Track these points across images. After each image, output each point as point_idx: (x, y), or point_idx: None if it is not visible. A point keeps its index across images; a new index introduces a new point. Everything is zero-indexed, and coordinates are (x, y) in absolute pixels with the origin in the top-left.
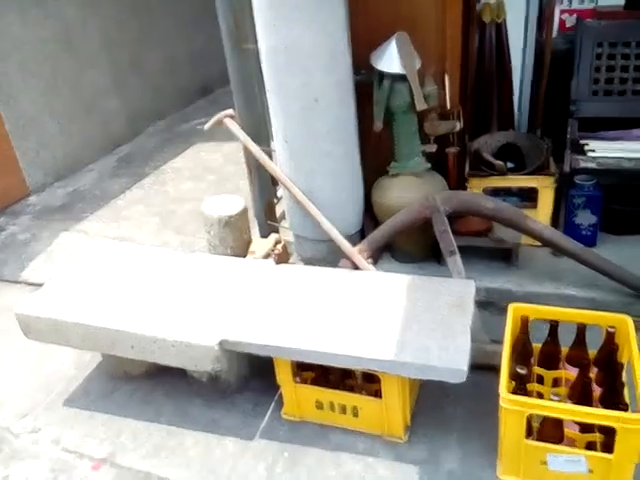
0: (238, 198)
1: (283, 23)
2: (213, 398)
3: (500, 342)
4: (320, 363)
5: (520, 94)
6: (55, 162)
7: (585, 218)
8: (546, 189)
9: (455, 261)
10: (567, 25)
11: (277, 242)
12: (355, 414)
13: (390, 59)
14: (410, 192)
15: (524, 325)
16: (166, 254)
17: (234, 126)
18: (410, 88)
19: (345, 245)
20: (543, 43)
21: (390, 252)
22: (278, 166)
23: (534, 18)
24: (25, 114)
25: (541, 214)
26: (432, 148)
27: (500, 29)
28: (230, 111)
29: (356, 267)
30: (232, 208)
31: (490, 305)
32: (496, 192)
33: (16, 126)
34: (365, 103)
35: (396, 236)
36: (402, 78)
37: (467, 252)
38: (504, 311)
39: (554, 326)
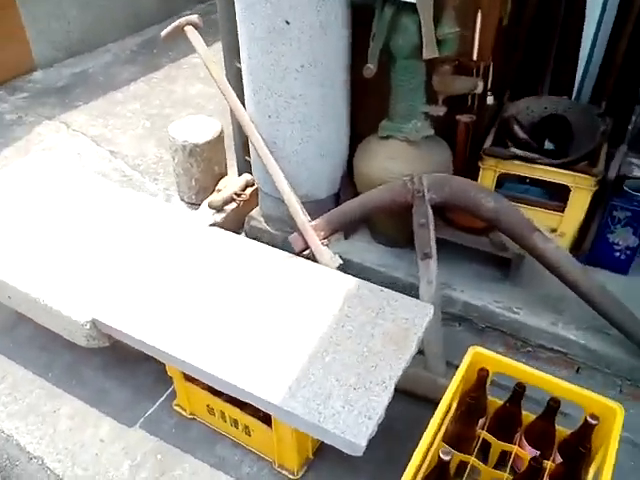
0: (217, 123)
1: None
2: (113, 362)
3: None
4: (203, 381)
5: (590, 52)
6: (68, 36)
7: (624, 237)
8: (581, 191)
9: (428, 266)
10: None
11: (248, 185)
12: (247, 432)
13: None
14: (398, 164)
15: (481, 380)
16: (98, 190)
17: (195, 37)
18: (419, 25)
19: (299, 216)
20: None
21: (369, 227)
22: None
23: None
24: None
25: (567, 221)
26: (439, 111)
27: None
28: (194, 17)
29: (307, 246)
30: (203, 135)
31: (466, 321)
32: (519, 177)
33: None
34: (365, 36)
35: (367, 217)
36: (411, 8)
37: (457, 250)
38: (482, 332)
39: (519, 392)
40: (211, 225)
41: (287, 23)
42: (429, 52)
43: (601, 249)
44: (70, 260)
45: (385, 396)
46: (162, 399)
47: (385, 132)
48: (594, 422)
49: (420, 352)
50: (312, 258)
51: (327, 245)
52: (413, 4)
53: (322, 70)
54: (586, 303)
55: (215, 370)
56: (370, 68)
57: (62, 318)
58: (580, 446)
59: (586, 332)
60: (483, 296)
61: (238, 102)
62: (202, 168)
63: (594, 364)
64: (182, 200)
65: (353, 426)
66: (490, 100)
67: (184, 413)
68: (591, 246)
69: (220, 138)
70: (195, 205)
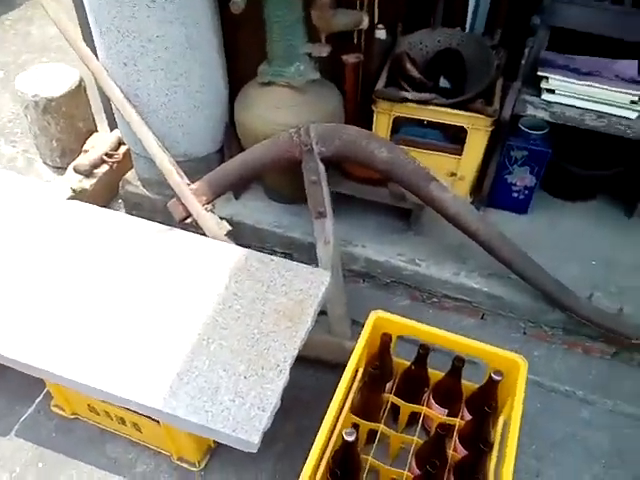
0: (74, 72)
1: None
2: None
3: None
4: (80, 392)
5: None
6: None
7: (521, 178)
8: (477, 132)
9: (323, 226)
10: None
11: (121, 143)
12: (137, 429)
13: None
14: (282, 113)
15: (384, 345)
16: None
17: None
18: None
19: (174, 180)
20: None
21: (262, 184)
22: None
23: None
24: None
25: (466, 164)
26: (322, 51)
27: None
28: None
29: (188, 214)
30: (59, 86)
31: (371, 277)
32: (418, 120)
33: None
34: None
35: (254, 176)
36: None
37: (356, 203)
38: (387, 287)
39: (423, 354)
40: (80, 192)
41: None
42: None
43: (500, 190)
44: None
45: (280, 382)
46: (38, 399)
47: (265, 77)
48: (498, 378)
49: (324, 313)
50: (196, 226)
51: (212, 210)
52: None
53: (181, 5)
54: (486, 252)
55: (81, 377)
56: (237, 3)
57: None
58: (486, 402)
59: (489, 279)
60: (385, 250)
61: (85, 47)
62: (62, 126)
63: (498, 310)
64: (45, 164)
65: (245, 422)
66: (382, 34)
67: (64, 413)
68: (490, 188)
69: (80, 89)
70: (61, 169)
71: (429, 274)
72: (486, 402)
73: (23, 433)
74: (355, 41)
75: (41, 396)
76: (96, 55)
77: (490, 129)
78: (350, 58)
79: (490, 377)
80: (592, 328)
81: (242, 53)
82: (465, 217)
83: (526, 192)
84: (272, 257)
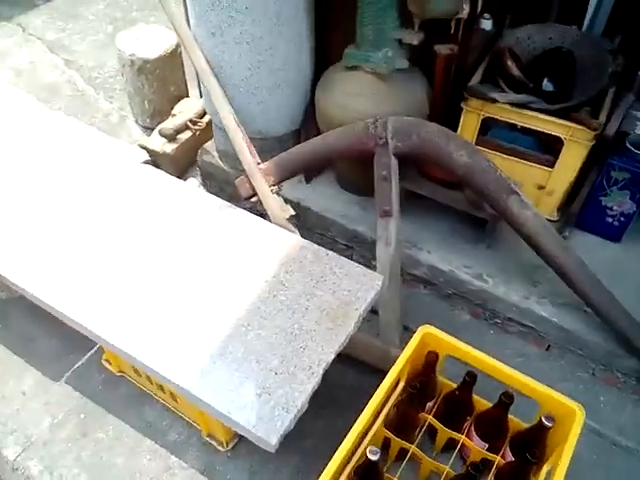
0: (173, 35)
1: None
2: None
3: None
4: (122, 357)
5: None
6: None
7: (619, 202)
8: (576, 144)
9: (387, 226)
10: None
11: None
12: (173, 398)
13: None
14: (362, 101)
15: (429, 364)
16: (26, 116)
17: None
18: None
19: (245, 157)
20: None
21: (334, 170)
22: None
23: None
24: None
25: (557, 178)
26: (414, 38)
27: None
28: None
29: (254, 192)
30: (155, 49)
31: (432, 285)
32: (510, 124)
33: None
34: None
35: (325, 162)
36: None
37: (429, 204)
38: (449, 298)
39: (469, 382)
40: (162, 155)
41: None
42: None
43: (592, 213)
44: None
45: (309, 385)
46: (92, 352)
47: (350, 61)
48: (549, 424)
49: (375, 312)
50: (261, 205)
51: (277, 192)
52: None
53: None
54: (562, 279)
55: (117, 341)
56: None
57: None
58: (532, 446)
59: (561, 309)
60: (452, 259)
61: (177, 14)
62: (155, 88)
63: (567, 344)
64: (137, 123)
65: (266, 420)
66: (487, 25)
67: (112, 369)
68: (581, 208)
69: (176, 54)
70: (150, 130)
71: (495, 293)
72: (532, 446)
73: (73, 381)
74: (452, 31)
75: (95, 348)
76: (188, 22)
77: (591, 143)
78: (442, 49)
79: (541, 420)
80: None
81: (332, 34)
82: (543, 239)
83: (622, 219)
84: (327, 252)
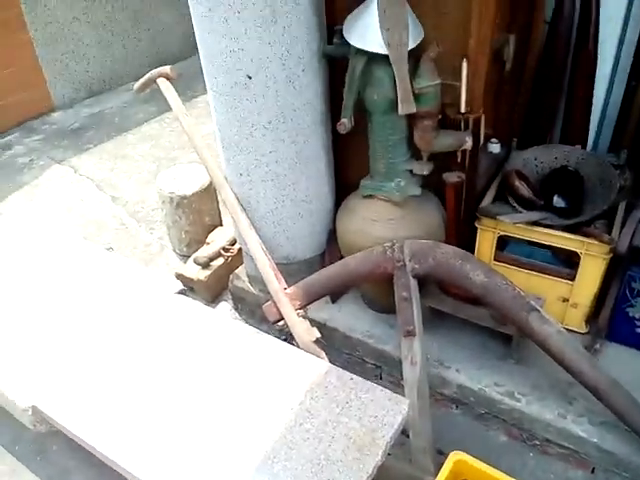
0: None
1: None
2: None
3: None
4: None
5: (607, 94)
6: (88, 76)
7: None
8: (593, 258)
9: (411, 345)
10: None
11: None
12: None
13: (365, 28)
14: (379, 227)
15: None
16: (66, 253)
17: (169, 90)
18: (394, 77)
19: (272, 283)
20: None
21: (359, 290)
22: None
23: None
24: (56, 19)
25: (580, 291)
26: (423, 169)
27: None
28: (166, 69)
29: (281, 317)
30: (191, 185)
31: (464, 404)
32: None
33: (43, 33)
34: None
35: (348, 285)
36: (385, 60)
37: (454, 321)
38: (482, 418)
39: None
40: (197, 282)
41: (249, 78)
42: (405, 108)
43: (620, 324)
44: (23, 334)
45: None
46: None
47: (365, 191)
48: None
49: (407, 434)
50: (287, 329)
51: (304, 315)
52: (387, 56)
53: (293, 125)
54: (594, 397)
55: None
56: (344, 124)
57: (8, 401)
58: None
59: (600, 428)
60: (482, 377)
61: (209, 158)
62: (191, 220)
63: (611, 466)
64: (174, 251)
65: None
66: (496, 148)
67: None
68: (609, 320)
69: (210, 188)
70: (186, 257)
71: (529, 412)
72: None
73: None
74: (459, 160)
75: None
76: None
77: (608, 256)
78: (450, 177)
79: None
80: None
81: (350, 164)
82: (568, 355)
83: None
84: (352, 376)
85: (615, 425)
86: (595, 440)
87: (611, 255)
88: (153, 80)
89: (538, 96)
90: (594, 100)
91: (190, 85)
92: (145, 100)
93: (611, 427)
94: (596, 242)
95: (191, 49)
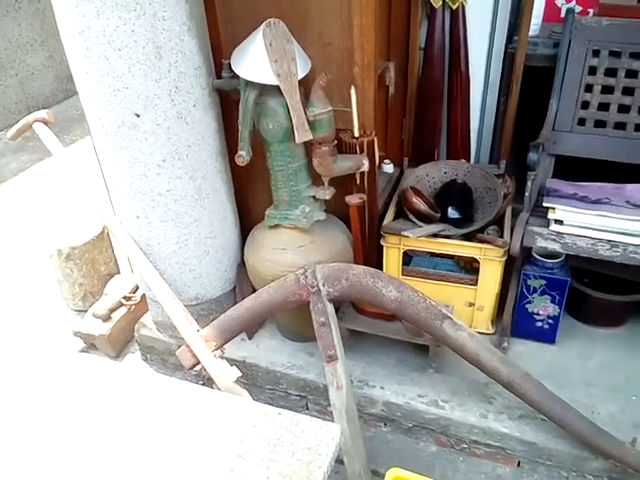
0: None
1: None
2: None
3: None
4: None
5: (481, 112)
6: None
7: (543, 307)
8: (490, 262)
9: (335, 370)
10: (562, 15)
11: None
12: None
13: (254, 60)
14: (289, 255)
15: None
16: None
17: (47, 135)
18: (287, 106)
19: (184, 327)
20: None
21: (275, 321)
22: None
23: (507, 2)
24: None
25: (483, 294)
26: (325, 194)
27: (456, 18)
28: (42, 113)
29: (197, 360)
30: (81, 233)
31: (392, 421)
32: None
33: None
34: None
35: (264, 318)
36: (277, 90)
37: (373, 339)
38: (411, 431)
39: None
40: (97, 337)
41: (137, 116)
42: (302, 136)
43: (523, 320)
44: None
45: None
46: None
47: (271, 221)
48: None
49: (341, 461)
50: (205, 373)
51: (221, 356)
52: (278, 86)
53: (189, 162)
54: (510, 392)
55: None
56: (242, 156)
57: None
58: None
59: (520, 422)
60: (405, 391)
61: (99, 203)
62: (85, 271)
63: (535, 457)
64: (69, 307)
65: None
66: (389, 168)
67: None
68: (512, 318)
69: (103, 235)
70: (83, 312)
71: (454, 417)
72: None
73: None
74: (358, 181)
75: None
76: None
77: (504, 259)
78: (352, 199)
79: None
80: None
81: (253, 195)
82: (483, 357)
83: (550, 321)
84: (279, 410)
85: (533, 417)
86: (517, 434)
87: (506, 257)
88: (29, 125)
89: (422, 117)
90: (471, 117)
91: (68, 129)
92: (16, 149)
93: (529, 419)
94: (491, 247)
95: (64, 93)
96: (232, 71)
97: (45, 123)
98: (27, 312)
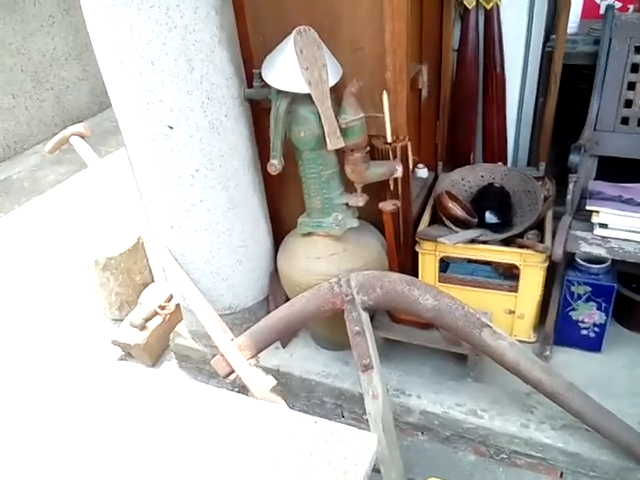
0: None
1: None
2: None
3: None
4: None
5: (518, 113)
6: None
7: (588, 314)
8: (532, 268)
9: (370, 379)
10: (601, 11)
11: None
12: None
13: (284, 69)
14: (322, 264)
15: None
16: None
17: (82, 148)
18: (319, 114)
19: (218, 336)
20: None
21: (309, 330)
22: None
23: (544, 0)
24: None
25: (524, 301)
26: (358, 201)
27: (490, 18)
28: (79, 127)
29: (232, 369)
30: (117, 244)
31: (429, 430)
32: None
33: None
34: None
35: (297, 327)
36: (308, 98)
37: (409, 347)
38: (449, 441)
39: None
40: (134, 347)
41: (170, 128)
42: (333, 143)
43: (566, 328)
44: None
45: None
46: None
47: (304, 229)
48: None
49: (378, 470)
50: (240, 382)
51: (256, 364)
52: (309, 94)
53: (221, 171)
54: (552, 402)
55: None
56: (274, 164)
57: None
58: None
59: (563, 432)
60: (443, 400)
61: (134, 213)
62: (121, 281)
63: (577, 468)
64: (106, 316)
65: None
66: (424, 173)
67: None
68: (555, 326)
69: (138, 245)
70: (119, 321)
71: (493, 427)
72: None
73: None
74: (392, 187)
75: None
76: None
77: (545, 264)
78: (386, 205)
79: None
80: None
81: (285, 203)
82: (524, 367)
83: (596, 329)
84: (315, 419)
85: (576, 427)
86: (560, 445)
87: (548, 263)
88: (66, 139)
89: (456, 120)
90: (508, 118)
91: (102, 141)
92: (54, 161)
93: (572, 429)
94: (532, 252)
95: (99, 105)
96: (263, 80)
97: (82, 136)
98: (66, 321)
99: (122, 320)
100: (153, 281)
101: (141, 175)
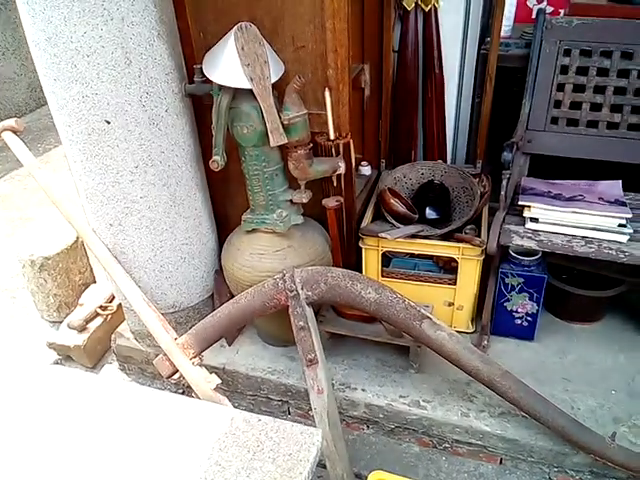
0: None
1: None
2: None
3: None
4: None
5: (456, 112)
6: None
7: (521, 304)
8: (468, 261)
9: (315, 374)
10: (534, 16)
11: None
12: None
13: (226, 65)
14: (267, 260)
15: None
16: None
17: (15, 143)
18: (261, 110)
19: (161, 336)
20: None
21: (255, 326)
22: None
23: (479, 3)
24: None
25: (462, 293)
26: (302, 198)
27: (429, 20)
28: (11, 121)
29: (175, 369)
30: (54, 243)
31: (375, 423)
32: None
33: None
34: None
35: (242, 324)
36: (249, 94)
37: (354, 341)
38: (393, 433)
39: None
40: (73, 348)
41: (107, 123)
42: (276, 139)
43: (502, 318)
44: None
45: None
46: None
47: (248, 226)
48: None
49: (324, 466)
50: (184, 382)
51: (200, 364)
52: (251, 90)
53: (162, 168)
54: (490, 390)
55: None
56: (217, 161)
57: None
58: None
59: (501, 419)
60: (387, 392)
61: (72, 211)
62: (59, 281)
63: (516, 454)
64: (43, 318)
65: None
66: (367, 170)
67: None
68: (491, 316)
69: (77, 244)
70: (58, 323)
71: (435, 417)
72: None
73: None
74: (335, 184)
75: None
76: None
77: (481, 258)
78: (330, 202)
79: None
80: (623, 471)
81: (229, 202)
82: (463, 356)
83: (529, 318)
84: (259, 417)
85: (513, 414)
86: (498, 432)
87: (484, 256)
88: None
89: (398, 119)
90: (447, 118)
91: (41, 138)
92: None
93: (510, 417)
94: (469, 246)
95: (37, 101)
96: (204, 76)
97: (14, 132)
98: (0, 324)
99: (61, 322)
100: (94, 281)
101: (78, 172)
